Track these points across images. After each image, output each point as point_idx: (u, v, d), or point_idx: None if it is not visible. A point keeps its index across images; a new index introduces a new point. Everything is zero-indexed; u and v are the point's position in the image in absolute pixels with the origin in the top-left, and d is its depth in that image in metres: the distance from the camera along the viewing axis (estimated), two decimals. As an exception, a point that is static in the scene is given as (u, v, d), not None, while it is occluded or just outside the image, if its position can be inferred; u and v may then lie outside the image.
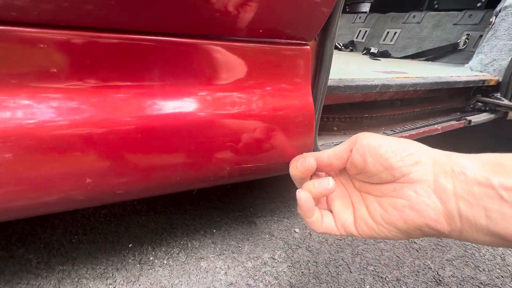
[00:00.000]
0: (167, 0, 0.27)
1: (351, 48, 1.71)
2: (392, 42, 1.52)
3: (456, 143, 1.14)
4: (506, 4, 0.88)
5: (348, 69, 0.74)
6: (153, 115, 0.31)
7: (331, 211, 0.26)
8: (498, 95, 0.85)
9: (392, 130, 0.69)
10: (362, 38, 1.68)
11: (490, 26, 0.94)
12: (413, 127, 0.72)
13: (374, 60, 1.23)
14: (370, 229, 0.23)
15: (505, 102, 0.82)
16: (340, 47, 1.72)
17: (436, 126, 0.74)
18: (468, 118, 0.80)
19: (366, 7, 1.81)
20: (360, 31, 1.71)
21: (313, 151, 0.47)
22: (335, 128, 0.70)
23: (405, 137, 0.68)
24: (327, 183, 0.24)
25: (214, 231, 0.55)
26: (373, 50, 1.49)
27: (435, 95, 0.86)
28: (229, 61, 0.35)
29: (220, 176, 0.39)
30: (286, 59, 0.39)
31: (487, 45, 0.93)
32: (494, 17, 0.94)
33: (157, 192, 0.38)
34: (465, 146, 1.15)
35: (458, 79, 0.77)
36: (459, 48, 1.23)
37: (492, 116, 0.84)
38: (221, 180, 0.40)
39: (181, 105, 0.33)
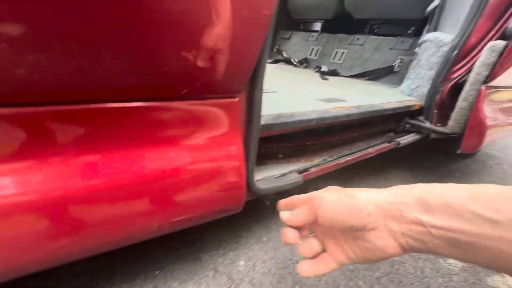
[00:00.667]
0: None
1: (305, 64, 1.80)
2: (341, 61, 1.65)
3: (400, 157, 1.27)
4: (425, 38, 1.02)
5: (291, 99, 0.79)
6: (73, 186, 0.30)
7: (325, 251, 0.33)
8: (422, 118, 0.97)
9: (330, 156, 0.75)
10: (315, 56, 1.79)
11: (415, 56, 1.07)
12: (350, 152, 0.79)
13: (323, 81, 1.32)
14: (350, 261, 0.30)
15: (427, 124, 0.94)
16: (295, 63, 1.81)
17: (369, 149, 0.82)
18: (397, 139, 0.90)
19: (317, 26, 1.93)
20: (313, 49, 1.82)
21: (248, 191, 0.50)
22: (281, 156, 0.74)
23: (341, 163, 0.75)
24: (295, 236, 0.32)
25: (156, 273, 0.54)
26: (324, 68, 1.60)
27: (371, 119, 0.95)
28: (156, 120, 0.36)
29: (150, 232, 0.39)
30: (215, 113, 0.41)
31: (413, 72, 1.06)
32: (418, 47, 1.07)
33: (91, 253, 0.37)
34: (401, 161, 1.28)
35: (387, 107, 0.86)
36: (394, 70, 1.38)
37: (417, 137, 0.96)
38: (152, 235, 0.40)
39: (109, 167, 0.33)
